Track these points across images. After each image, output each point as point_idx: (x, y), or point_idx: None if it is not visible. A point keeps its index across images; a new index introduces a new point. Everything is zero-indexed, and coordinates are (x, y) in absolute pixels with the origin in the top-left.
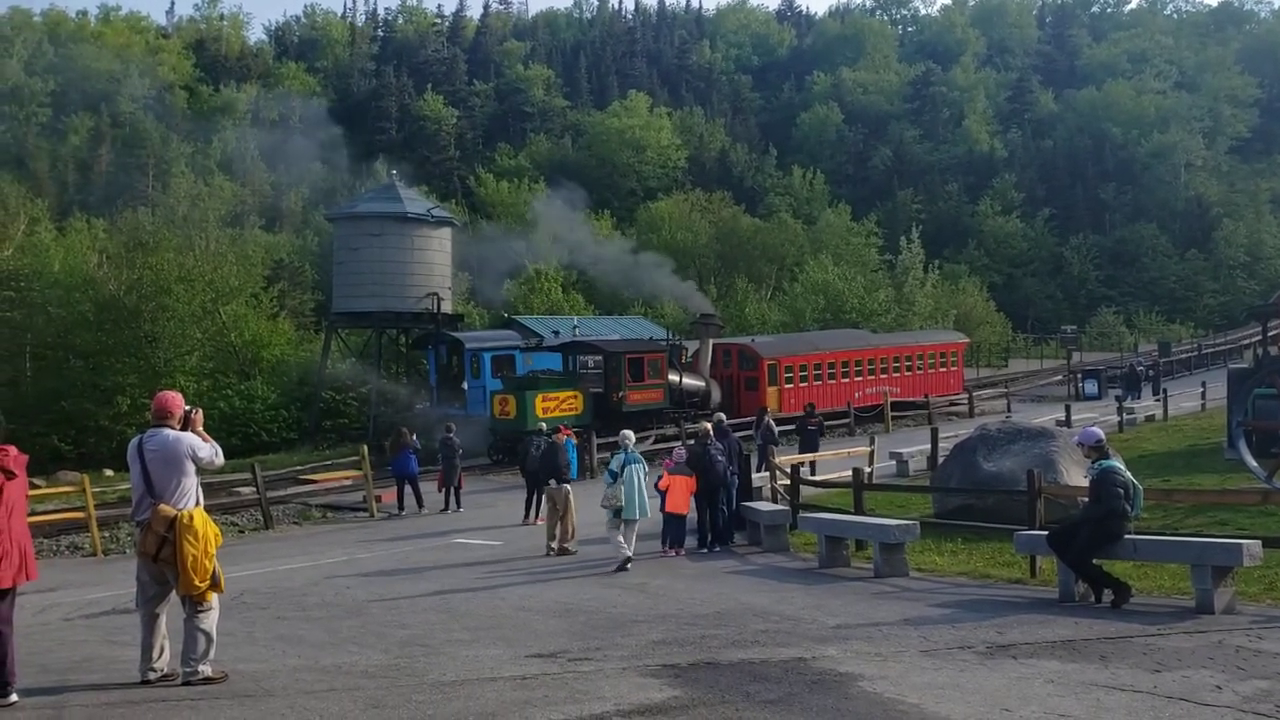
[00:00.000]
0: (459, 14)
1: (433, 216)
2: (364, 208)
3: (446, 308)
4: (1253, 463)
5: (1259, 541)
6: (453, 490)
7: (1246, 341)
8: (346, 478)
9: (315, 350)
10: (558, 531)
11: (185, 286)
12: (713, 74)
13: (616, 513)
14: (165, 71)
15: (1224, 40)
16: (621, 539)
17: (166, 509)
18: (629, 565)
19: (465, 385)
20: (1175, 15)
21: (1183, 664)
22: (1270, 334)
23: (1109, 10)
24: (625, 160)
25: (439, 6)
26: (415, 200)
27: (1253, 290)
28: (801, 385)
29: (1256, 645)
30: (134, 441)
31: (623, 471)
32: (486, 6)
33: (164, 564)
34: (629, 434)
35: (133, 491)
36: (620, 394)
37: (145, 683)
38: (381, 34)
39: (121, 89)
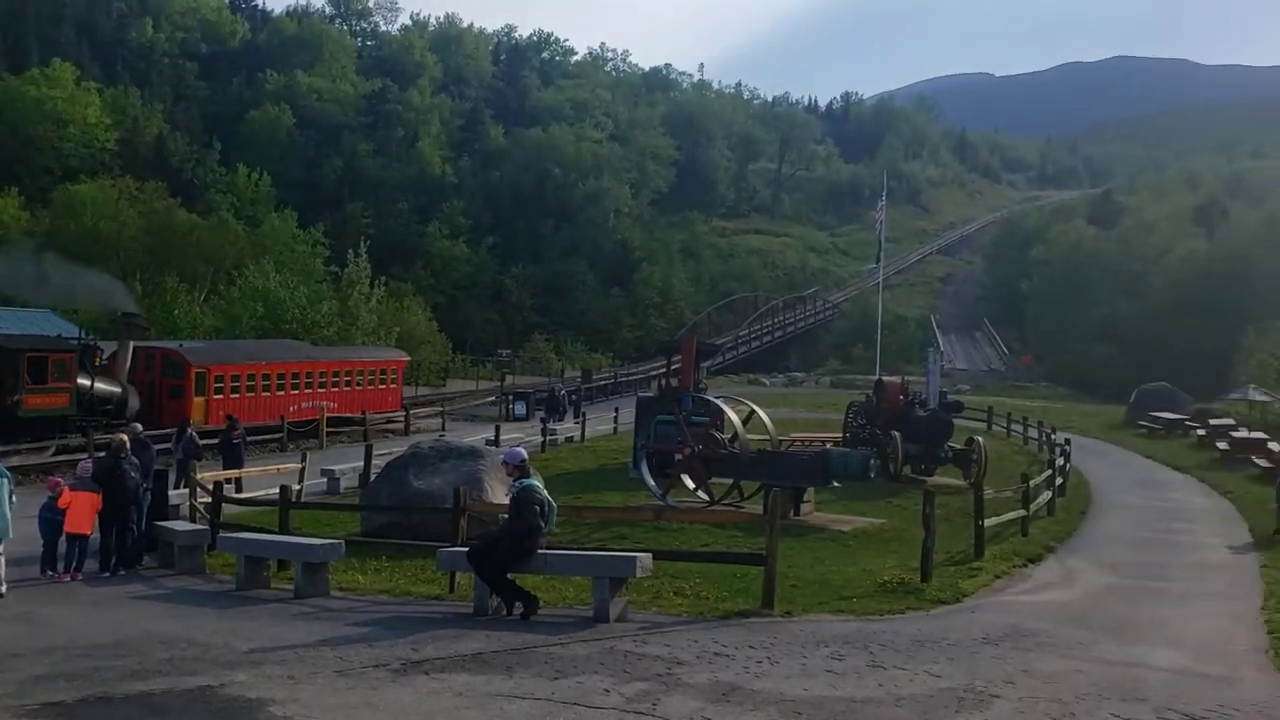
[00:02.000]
0: None
1: None
2: None
3: None
4: (651, 482)
5: (650, 554)
6: None
7: (655, 372)
8: None
9: None
10: None
11: None
12: (154, 54)
13: None
14: None
15: (652, 103)
16: None
17: None
18: None
19: None
20: (614, 73)
21: (579, 670)
22: (673, 367)
23: (557, 59)
24: (42, 134)
25: None
26: None
27: (662, 328)
28: (233, 396)
29: (641, 650)
30: None
31: None
32: None
33: None
34: None
35: None
36: (16, 397)
37: None
38: None
39: None
